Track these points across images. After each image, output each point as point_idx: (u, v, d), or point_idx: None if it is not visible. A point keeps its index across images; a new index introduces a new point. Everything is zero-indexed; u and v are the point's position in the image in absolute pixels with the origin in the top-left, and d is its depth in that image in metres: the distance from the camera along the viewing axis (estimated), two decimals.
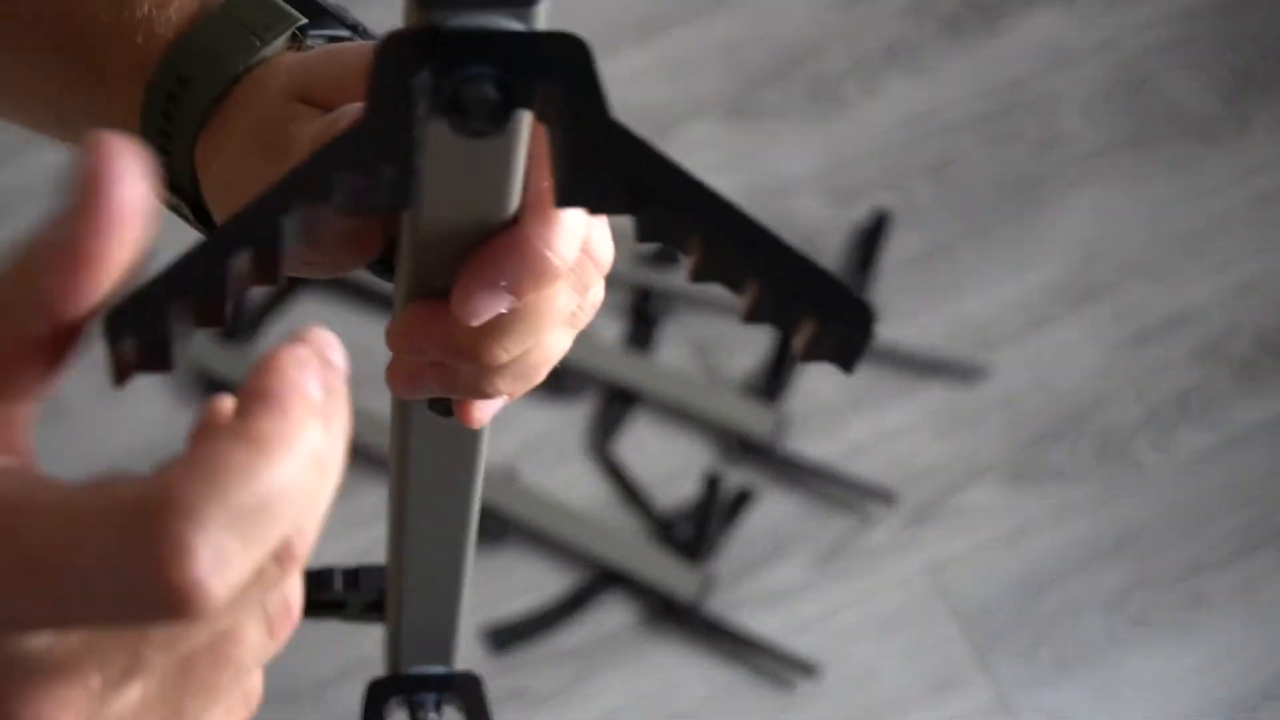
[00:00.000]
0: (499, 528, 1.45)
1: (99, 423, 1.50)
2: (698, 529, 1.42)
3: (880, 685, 1.44)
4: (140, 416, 1.50)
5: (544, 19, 0.34)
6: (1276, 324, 1.58)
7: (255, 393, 0.32)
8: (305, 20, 0.47)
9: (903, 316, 1.56)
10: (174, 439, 1.52)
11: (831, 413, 1.53)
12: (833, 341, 0.40)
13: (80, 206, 0.30)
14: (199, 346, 1.49)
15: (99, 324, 0.32)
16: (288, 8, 0.46)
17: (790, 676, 1.44)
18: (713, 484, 1.39)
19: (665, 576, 1.42)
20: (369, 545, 1.48)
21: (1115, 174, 1.63)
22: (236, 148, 0.45)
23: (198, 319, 0.32)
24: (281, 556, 0.32)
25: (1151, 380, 1.55)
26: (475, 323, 0.40)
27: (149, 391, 1.51)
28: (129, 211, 0.30)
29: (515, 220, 0.40)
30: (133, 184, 0.30)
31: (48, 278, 0.31)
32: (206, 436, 0.32)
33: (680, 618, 1.44)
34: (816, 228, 1.60)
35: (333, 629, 1.53)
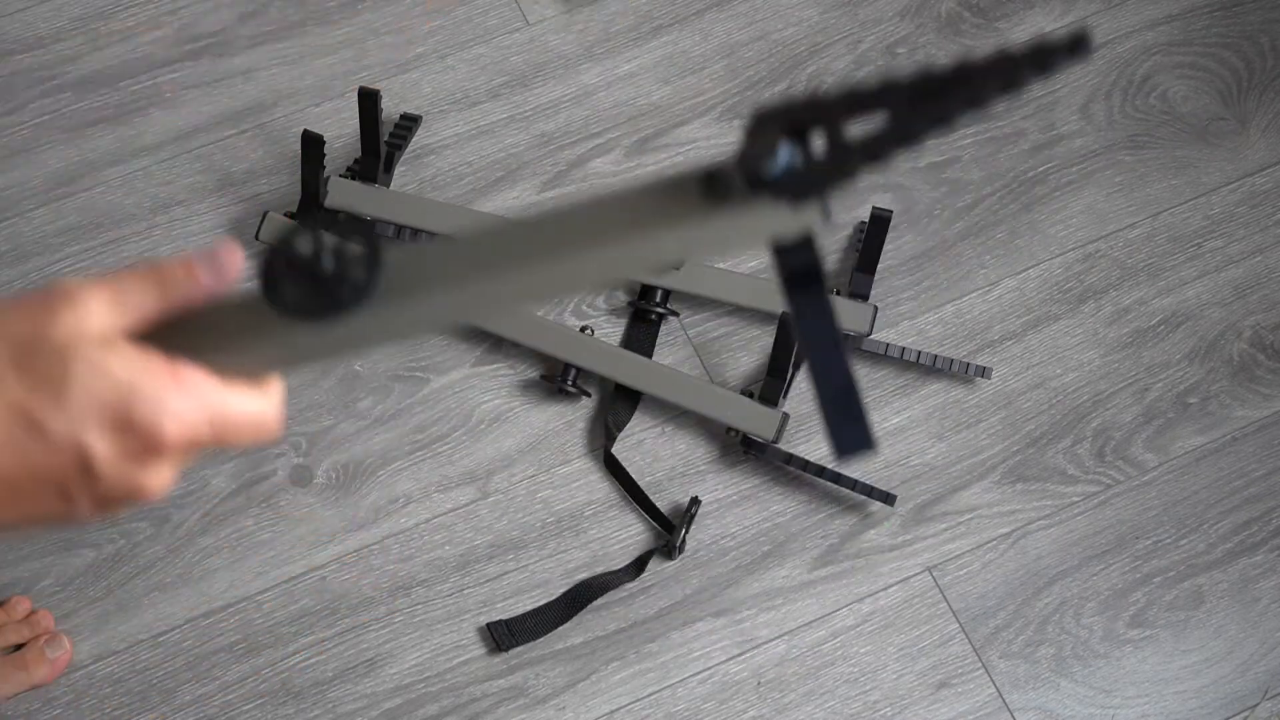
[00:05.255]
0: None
1: None
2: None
3: (880, 685, 1.45)
4: None
5: None
6: (1274, 324, 1.58)
7: None
8: None
9: (902, 316, 1.57)
10: None
11: None
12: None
13: (220, 270, 0.59)
14: None
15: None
16: None
17: (792, 673, 1.44)
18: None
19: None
20: (370, 544, 1.48)
21: (1114, 174, 1.63)
22: None
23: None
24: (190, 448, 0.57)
25: (1150, 380, 1.56)
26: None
27: None
28: (229, 280, 0.59)
29: None
30: (235, 270, 0.59)
31: (195, 280, 0.58)
32: None
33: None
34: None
35: (336, 630, 1.55)
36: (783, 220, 0.56)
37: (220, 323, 0.58)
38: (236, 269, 0.59)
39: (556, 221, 0.58)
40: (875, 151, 0.52)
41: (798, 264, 0.59)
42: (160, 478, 0.57)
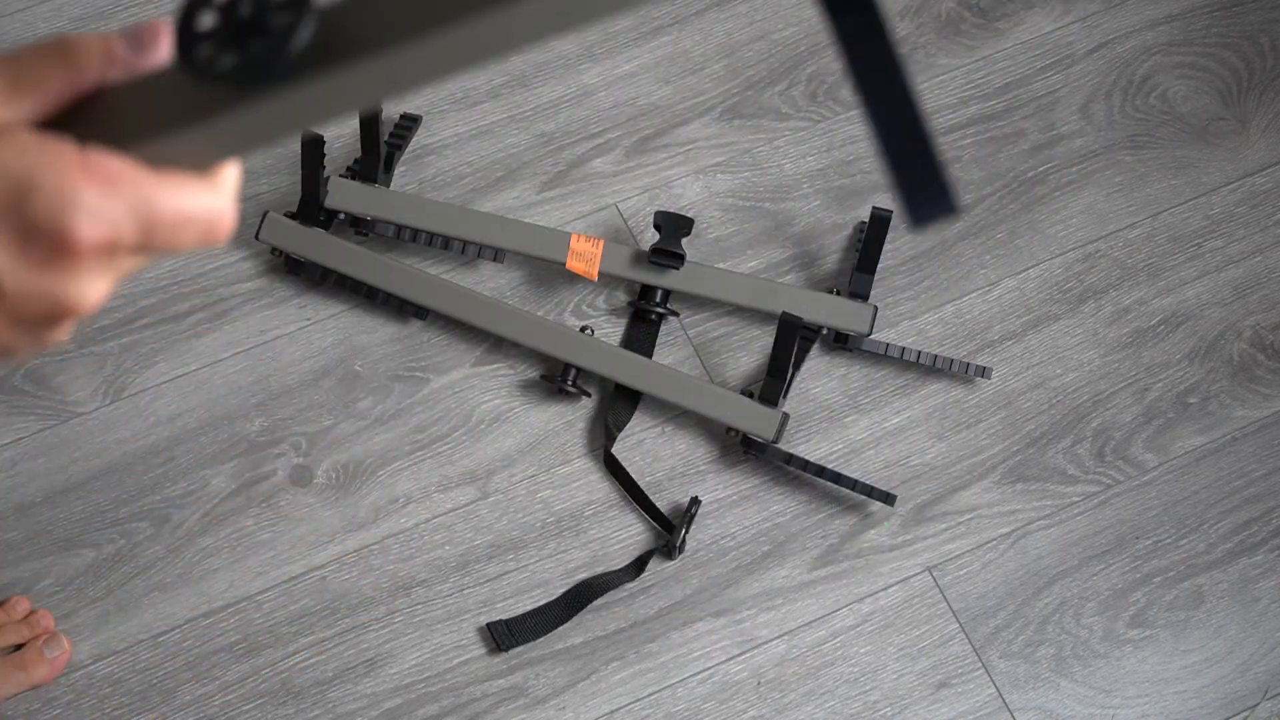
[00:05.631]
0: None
1: (106, 422, 1.50)
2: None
3: (880, 685, 1.45)
4: (146, 417, 1.50)
5: None
6: (1274, 324, 1.58)
7: None
8: None
9: (902, 316, 1.57)
10: (178, 439, 1.53)
11: (831, 413, 1.53)
12: None
13: (142, 39, 0.50)
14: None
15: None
16: None
17: (790, 671, 1.44)
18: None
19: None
20: (370, 544, 1.48)
21: (1114, 174, 1.63)
22: None
23: None
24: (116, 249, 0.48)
25: (1150, 380, 1.56)
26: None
27: (152, 392, 1.51)
28: (159, 54, 0.50)
29: None
30: (159, 44, 0.50)
31: (112, 54, 0.49)
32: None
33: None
34: (816, 228, 1.60)
35: (336, 630, 1.55)
36: None
37: (147, 103, 0.49)
38: (162, 43, 0.50)
39: None
40: None
41: None
42: (87, 288, 0.48)
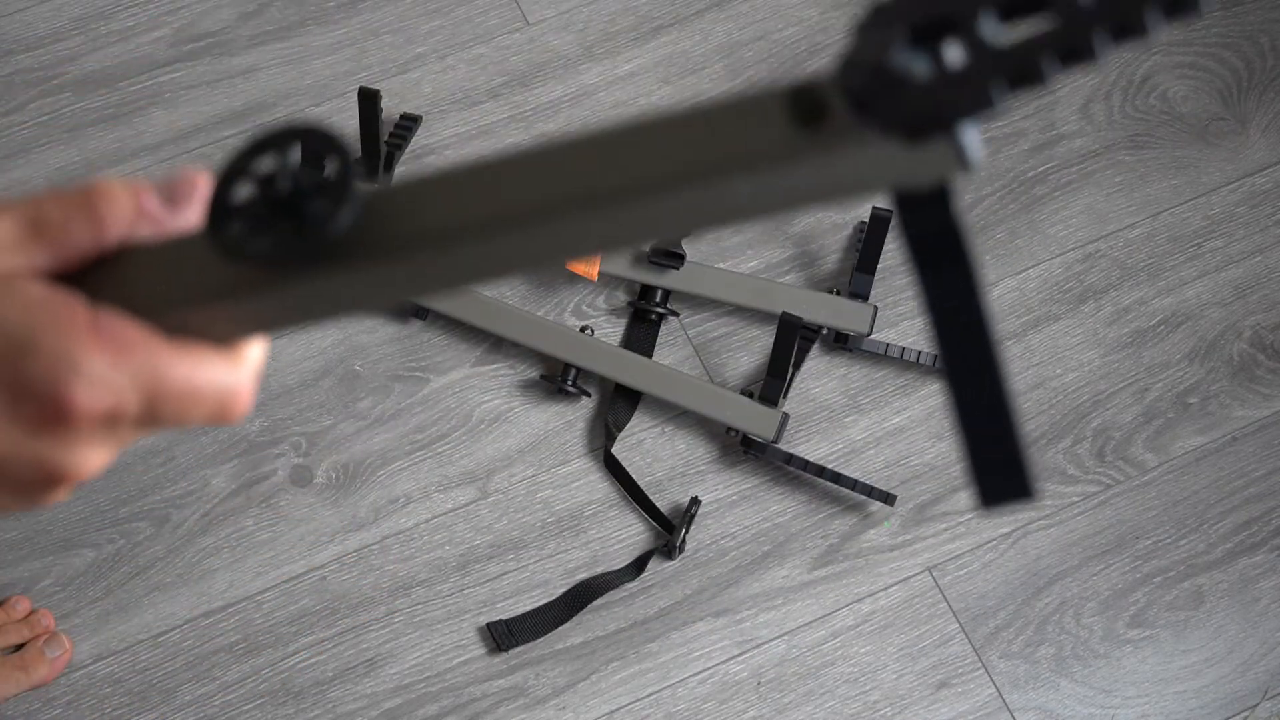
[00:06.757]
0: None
1: None
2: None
3: (880, 685, 1.45)
4: None
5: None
6: (1274, 324, 1.58)
7: None
8: None
9: (902, 316, 1.57)
10: (178, 439, 1.53)
11: (831, 413, 1.53)
12: None
13: (176, 195, 0.46)
14: None
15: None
16: None
17: (789, 672, 1.44)
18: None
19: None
20: (370, 544, 1.48)
21: (1114, 174, 1.63)
22: None
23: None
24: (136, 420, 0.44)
25: (1150, 380, 1.56)
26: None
27: None
28: (192, 215, 0.47)
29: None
30: (195, 201, 0.47)
31: (142, 210, 0.45)
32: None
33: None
34: (816, 228, 1.60)
35: (336, 630, 1.55)
36: (899, 162, 0.40)
37: (170, 268, 0.45)
38: (197, 199, 0.46)
39: (592, 153, 0.42)
40: (1030, 66, 0.36)
41: (927, 227, 0.43)
42: (83, 457, 0.44)
